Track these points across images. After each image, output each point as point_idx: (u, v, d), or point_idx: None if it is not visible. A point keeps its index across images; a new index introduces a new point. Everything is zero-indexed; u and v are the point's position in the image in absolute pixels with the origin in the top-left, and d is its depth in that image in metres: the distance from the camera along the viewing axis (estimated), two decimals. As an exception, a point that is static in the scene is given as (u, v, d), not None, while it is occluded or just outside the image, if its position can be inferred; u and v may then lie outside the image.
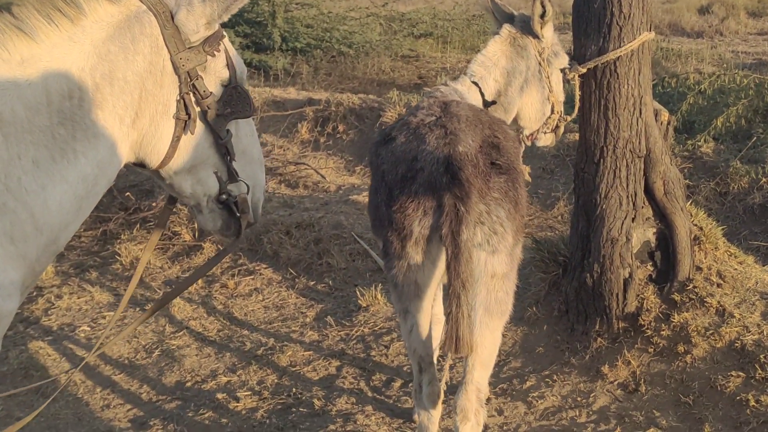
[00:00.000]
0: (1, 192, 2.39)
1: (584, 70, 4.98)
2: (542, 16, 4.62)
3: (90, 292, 6.42)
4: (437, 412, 3.77)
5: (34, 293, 6.35)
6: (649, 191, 5.18)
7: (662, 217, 5.20)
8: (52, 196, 2.50)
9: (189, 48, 2.80)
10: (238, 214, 3.18)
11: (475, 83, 4.54)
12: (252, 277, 6.70)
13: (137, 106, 2.70)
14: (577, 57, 5.13)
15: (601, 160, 5.09)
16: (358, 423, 4.64)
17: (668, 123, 5.32)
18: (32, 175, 2.44)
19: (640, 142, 5.07)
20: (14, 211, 2.41)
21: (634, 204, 5.12)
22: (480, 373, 3.61)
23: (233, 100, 2.96)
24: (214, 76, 2.91)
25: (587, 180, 5.19)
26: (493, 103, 4.56)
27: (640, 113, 5.04)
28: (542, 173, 8.57)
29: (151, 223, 7.40)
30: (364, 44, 14.69)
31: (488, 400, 4.90)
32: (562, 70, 4.84)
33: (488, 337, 3.57)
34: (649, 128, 5.10)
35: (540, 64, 4.68)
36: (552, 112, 4.76)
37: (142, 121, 2.74)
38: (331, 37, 14.84)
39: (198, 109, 2.87)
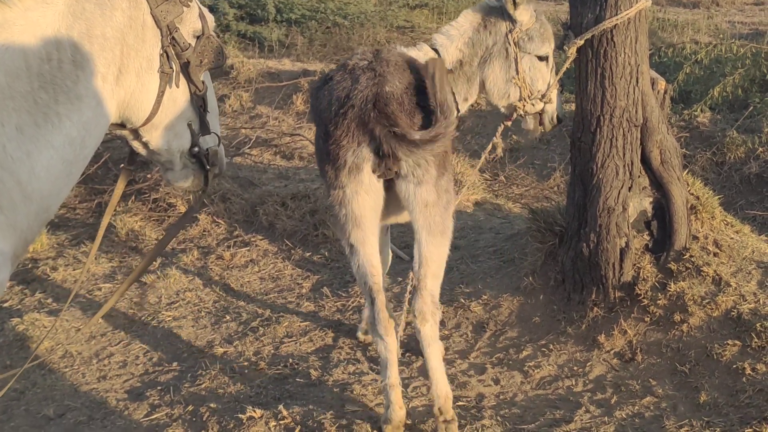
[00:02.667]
0: None
1: (581, 42, 4.97)
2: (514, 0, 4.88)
3: (85, 264, 6.40)
4: (393, 340, 4.14)
5: (29, 264, 6.34)
6: (645, 160, 5.16)
7: (659, 186, 5.19)
8: (39, 163, 2.46)
9: (166, 1, 2.78)
10: (208, 167, 3.18)
11: (436, 50, 4.87)
12: (248, 248, 6.69)
13: (120, 63, 2.67)
14: (573, 27, 5.10)
15: (598, 129, 5.07)
16: (354, 393, 4.64)
17: (665, 92, 5.30)
18: (16, 142, 2.40)
19: (636, 111, 5.04)
20: (0, 180, 2.37)
21: (630, 173, 5.10)
22: (432, 282, 4.13)
23: (207, 51, 2.98)
24: (189, 27, 2.91)
25: (584, 149, 5.17)
26: (450, 71, 4.87)
27: (637, 82, 5.02)
28: (538, 144, 8.56)
29: (147, 195, 7.38)
30: (359, 15, 14.60)
31: (484, 369, 4.92)
32: (543, 58, 5.00)
33: (435, 252, 4.09)
34: (645, 97, 5.08)
35: (508, 44, 4.86)
36: (519, 98, 4.97)
37: (126, 78, 2.71)
38: (326, 8, 14.75)
39: (179, 62, 2.86)
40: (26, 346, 5.20)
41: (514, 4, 4.85)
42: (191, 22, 2.91)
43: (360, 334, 5.29)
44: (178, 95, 2.93)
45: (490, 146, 5.29)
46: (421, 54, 4.79)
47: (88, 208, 7.42)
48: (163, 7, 2.77)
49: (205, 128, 3.09)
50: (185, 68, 2.90)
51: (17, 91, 2.41)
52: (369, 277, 4.12)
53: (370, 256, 4.11)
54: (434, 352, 4.20)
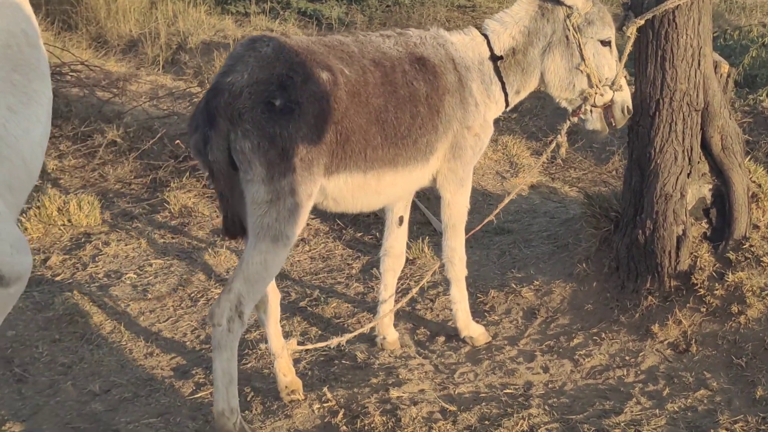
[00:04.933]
0: None
1: (642, 22, 4.84)
2: None
3: (138, 240, 6.41)
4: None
5: (83, 239, 6.36)
6: (705, 146, 5.02)
7: (719, 173, 5.04)
8: (35, 139, 2.52)
9: None
10: None
11: (485, 35, 4.69)
12: (299, 227, 6.65)
13: None
14: (634, 7, 4.96)
15: (657, 113, 4.94)
16: (400, 377, 4.57)
17: (728, 75, 5.15)
18: (14, 122, 2.45)
19: (697, 95, 4.90)
20: (9, 159, 2.41)
21: (689, 159, 4.96)
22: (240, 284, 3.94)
23: None
24: None
25: (642, 133, 5.04)
26: (500, 58, 4.69)
27: (699, 65, 4.87)
28: (597, 127, 8.38)
29: (201, 172, 7.37)
30: (420, -7, 14.46)
31: (533, 356, 4.83)
32: (606, 43, 4.75)
33: (255, 257, 3.90)
34: (707, 80, 4.93)
35: (569, 30, 4.61)
36: (590, 86, 4.72)
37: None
38: (387, -15, 14.63)
39: None
40: (75, 321, 5.21)
41: None
42: None
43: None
44: None
45: (553, 145, 5.12)
46: (467, 39, 4.67)
47: (143, 183, 7.42)
48: None
49: None
50: None
51: None
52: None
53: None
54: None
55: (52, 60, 9.29)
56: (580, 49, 4.68)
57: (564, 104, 4.89)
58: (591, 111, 4.81)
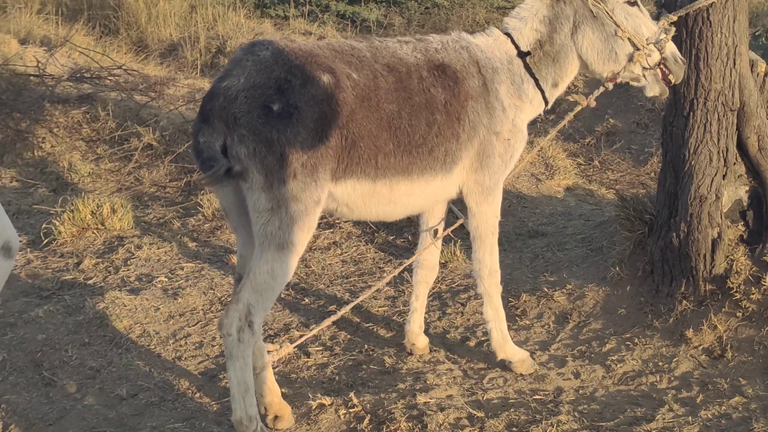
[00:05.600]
0: None
1: (675, 18, 4.70)
2: None
3: (170, 243, 6.42)
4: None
5: (115, 243, 6.38)
6: (742, 147, 4.91)
7: (756, 174, 4.93)
8: None
9: None
10: None
11: (508, 34, 4.52)
12: (331, 230, 6.62)
13: None
14: (667, 4, 4.86)
15: (691, 114, 4.84)
16: (428, 382, 4.52)
17: (765, 74, 5.02)
18: None
19: (733, 95, 4.79)
20: None
21: (725, 160, 4.85)
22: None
23: None
24: None
25: (676, 134, 4.95)
26: (528, 54, 4.51)
27: (734, 64, 4.76)
28: (636, 128, 8.29)
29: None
30: (459, -5, 14.41)
31: (564, 361, 4.75)
32: (633, 3, 4.50)
33: (262, 266, 3.82)
34: (743, 80, 4.82)
35: (588, 2, 4.44)
36: (635, 48, 4.44)
37: None
38: (426, -13, 14.59)
39: None
40: (105, 324, 5.21)
41: None
42: None
43: None
44: None
45: (585, 103, 4.78)
46: (490, 40, 4.51)
47: (177, 186, 7.44)
48: None
49: None
50: None
51: None
52: (240, 268, 4.19)
53: (244, 246, 4.18)
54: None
55: (91, 65, 9.36)
56: (611, 17, 4.45)
57: (611, 77, 4.57)
58: (645, 75, 4.52)
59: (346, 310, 4.80)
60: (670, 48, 4.53)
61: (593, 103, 4.78)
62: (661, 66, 4.51)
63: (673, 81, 4.54)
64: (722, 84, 4.76)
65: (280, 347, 4.57)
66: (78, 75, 9.09)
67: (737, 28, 4.74)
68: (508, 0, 14.43)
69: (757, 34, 7.09)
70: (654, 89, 4.56)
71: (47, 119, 8.13)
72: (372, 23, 13.54)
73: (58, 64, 9.45)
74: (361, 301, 5.17)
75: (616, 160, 7.95)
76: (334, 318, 4.69)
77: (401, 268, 4.92)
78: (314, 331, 4.77)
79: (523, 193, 7.10)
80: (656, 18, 4.82)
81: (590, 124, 8.33)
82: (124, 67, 9.54)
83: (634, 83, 4.60)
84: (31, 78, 8.73)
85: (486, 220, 4.53)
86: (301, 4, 14.07)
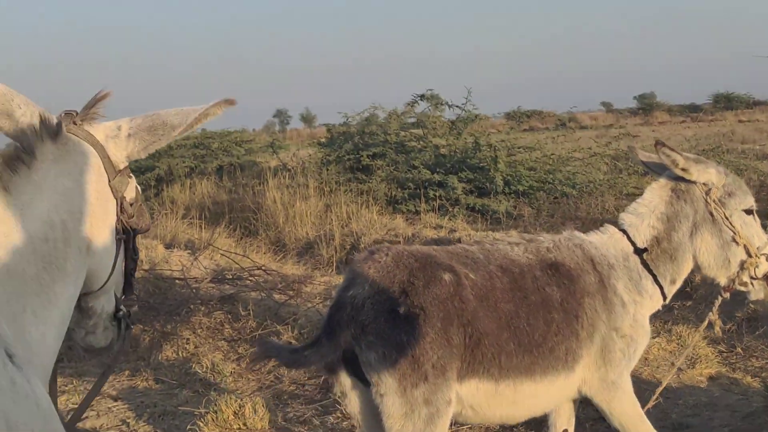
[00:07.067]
0: (25, 349, 2.35)
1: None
2: (675, 165, 4.48)
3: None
4: None
5: None
6: None
7: None
8: (49, 343, 2.51)
9: (119, 173, 2.94)
10: (125, 328, 3.20)
11: (623, 230, 4.50)
12: None
13: (90, 233, 2.76)
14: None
15: (833, 301, 4.72)
16: None
17: None
18: (35, 326, 2.44)
19: None
20: (31, 363, 2.35)
21: None
22: None
23: (139, 217, 3.10)
24: (129, 196, 3.02)
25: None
26: (645, 250, 4.47)
27: None
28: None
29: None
30: (587, 184, 14.57)
31: None
32: (750, 212, 4.53)
33: None
34: None
35: (710, 206, 4.47)
36: (749, 255, 4.45)
37: (94, 246, 2.79)
38: (554, 178, 14.85)
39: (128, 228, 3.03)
40: None
41: (681, 168, 4.46)
42: (130, 192, 3.03)
43: None
44: (122, 259, 3.05)
45: (705, 322, 4.88)
46: (605, 237, 4.49)
47: (316, 384, 7.54)
48: (117, 179, 2.92)
49: (129, 290, 3.18)
50: (132, 234, 3.06)
51: (29, 275, 2.48)
52: None
53: None
54: None
55: (232, 266, 9.77)
56: (730, 223, 4.44)
57: (723, 282, 4.57)
58: (753, 283, 4.49)
59: None
60: None
61: (718, 320, 4.82)
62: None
63: None
64: None
65: None
66: (220, 277, 9.49)
67: None
68: (638, 187, 14.52)
69: None
70: (758, 294, 4.55)
71: (191, 320, 8.46)
72: (501, 214, 13.76)
73: (201, 267, 9.91)
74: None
75: (761, 346, 7.71)
76: None
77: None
78: None
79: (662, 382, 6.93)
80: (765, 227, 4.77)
81: (729, 310, 8.15)
82: (263, 268, 9.92)
83: (740, 288, 4.56)
84: (176, 281, 9.16)
85: (625, 412, 4.37)
86: (432, 199, 14.47)
